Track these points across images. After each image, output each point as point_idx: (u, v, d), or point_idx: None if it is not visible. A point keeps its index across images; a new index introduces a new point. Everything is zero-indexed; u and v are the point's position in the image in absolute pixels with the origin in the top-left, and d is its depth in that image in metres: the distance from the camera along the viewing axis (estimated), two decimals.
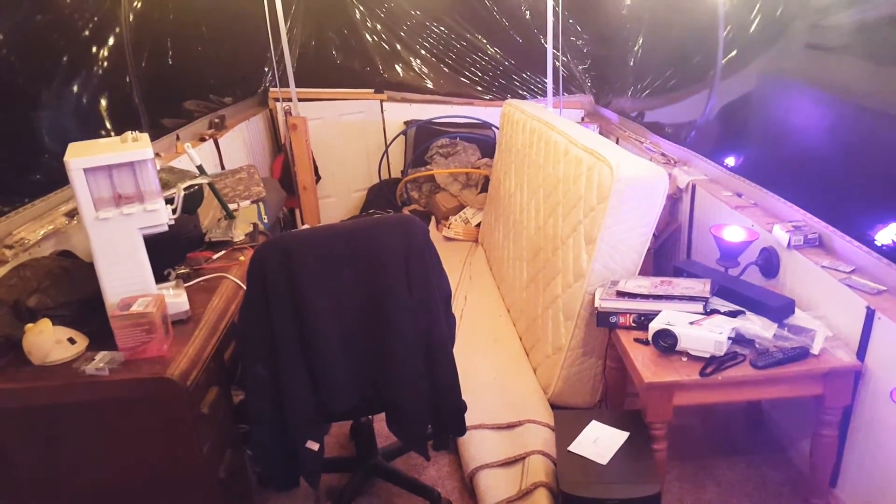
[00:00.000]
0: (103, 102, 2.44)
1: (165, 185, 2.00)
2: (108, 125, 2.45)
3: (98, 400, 1.36)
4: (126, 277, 1.51)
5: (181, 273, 1.84)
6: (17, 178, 1.91)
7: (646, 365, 1.74)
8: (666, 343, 1.76)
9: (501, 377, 2.39)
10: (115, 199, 1.48)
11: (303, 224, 3.77)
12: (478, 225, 3.91)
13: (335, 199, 4.42)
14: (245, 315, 1.48)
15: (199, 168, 2.12)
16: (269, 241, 1.45)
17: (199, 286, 1.80)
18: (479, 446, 2.04)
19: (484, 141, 4.26)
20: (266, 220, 2.73)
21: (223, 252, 2.05)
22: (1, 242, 1.67)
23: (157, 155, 2.79)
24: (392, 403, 1.62)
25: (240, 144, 3.64)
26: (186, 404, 1.39)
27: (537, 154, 2.86)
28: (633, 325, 1.92)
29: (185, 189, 1.95)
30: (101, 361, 1.37)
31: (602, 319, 1.95)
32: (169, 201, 1.67)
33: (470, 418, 1.82)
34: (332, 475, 2.12)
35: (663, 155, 3.07)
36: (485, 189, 4.06)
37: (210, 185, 2.15)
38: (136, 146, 1.50)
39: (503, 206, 3.29)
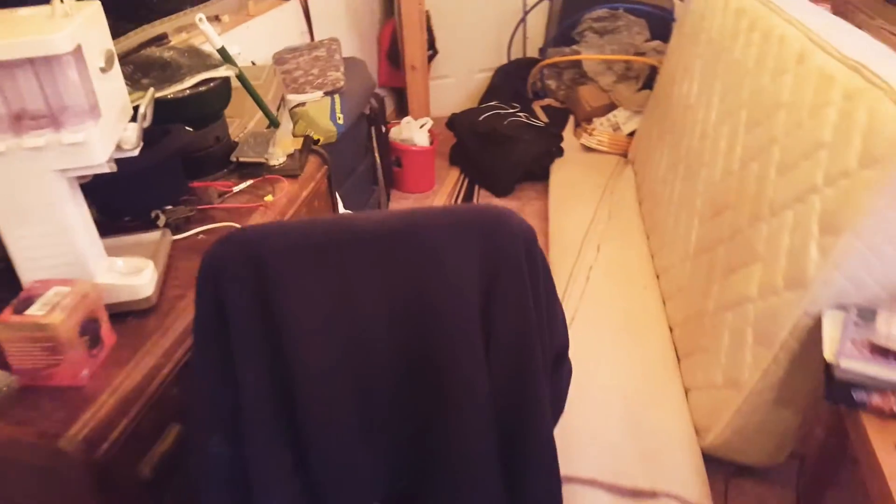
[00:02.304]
0: None
1: (185, 76, 1.34)
2: None
3: None
4: (45, 248, 0.92)
5: (177, 218, 1.23)
6: None
7: None
8: None
9: (633, 397, 1.64)
10: (11, 119, 0.85)
11: (407, 115, 3.02)
12: (631, 134, 2.94)
13: (454, 81, 3.58)
14: (195, 359, 0.84)
15: (221, 52, 1.43)
16: (228, 238, 0.76)
17: (192, 242, 1.18)
18: None
19: (657, 16, 3.14)
20: (341, 121, 2.03)
21: (250, 182, 1.39)
22: None
23: (215, 18, 2.12)
24: None
25: (338, 4, 2.87)
26: (101, 484, 0.83)
27: (744, 51, 1.84)
28: None
29: (192, 87, 1.29)
30: None
31: (838, 391, 1.10)
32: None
33: (575, 463, 1.14)
34: None
35: None
36: (649, 86, 3.02)
37: (239, 76, 1.46)
38: (49, 28, 0.82)
39: (674, 119, 2.31)
